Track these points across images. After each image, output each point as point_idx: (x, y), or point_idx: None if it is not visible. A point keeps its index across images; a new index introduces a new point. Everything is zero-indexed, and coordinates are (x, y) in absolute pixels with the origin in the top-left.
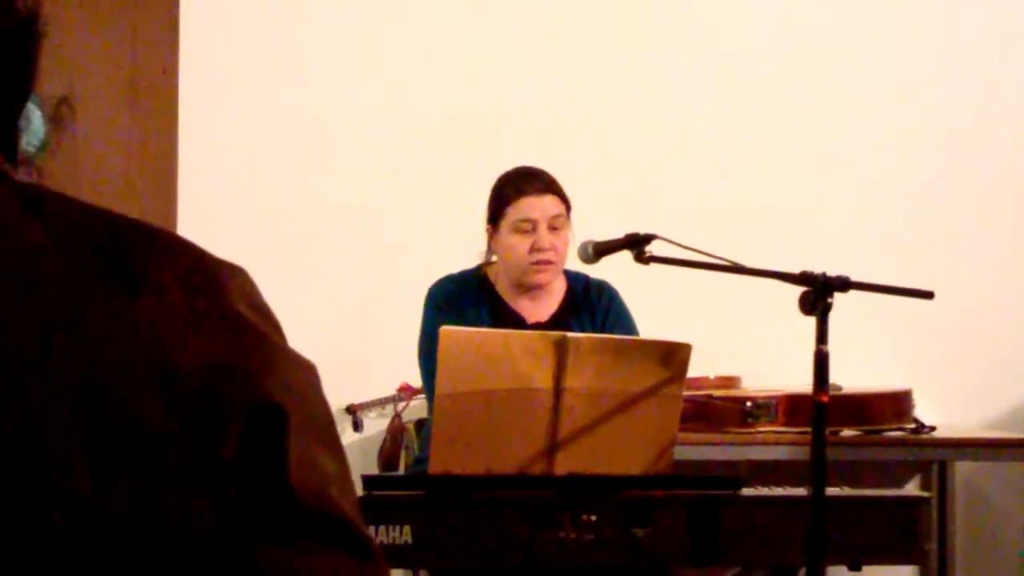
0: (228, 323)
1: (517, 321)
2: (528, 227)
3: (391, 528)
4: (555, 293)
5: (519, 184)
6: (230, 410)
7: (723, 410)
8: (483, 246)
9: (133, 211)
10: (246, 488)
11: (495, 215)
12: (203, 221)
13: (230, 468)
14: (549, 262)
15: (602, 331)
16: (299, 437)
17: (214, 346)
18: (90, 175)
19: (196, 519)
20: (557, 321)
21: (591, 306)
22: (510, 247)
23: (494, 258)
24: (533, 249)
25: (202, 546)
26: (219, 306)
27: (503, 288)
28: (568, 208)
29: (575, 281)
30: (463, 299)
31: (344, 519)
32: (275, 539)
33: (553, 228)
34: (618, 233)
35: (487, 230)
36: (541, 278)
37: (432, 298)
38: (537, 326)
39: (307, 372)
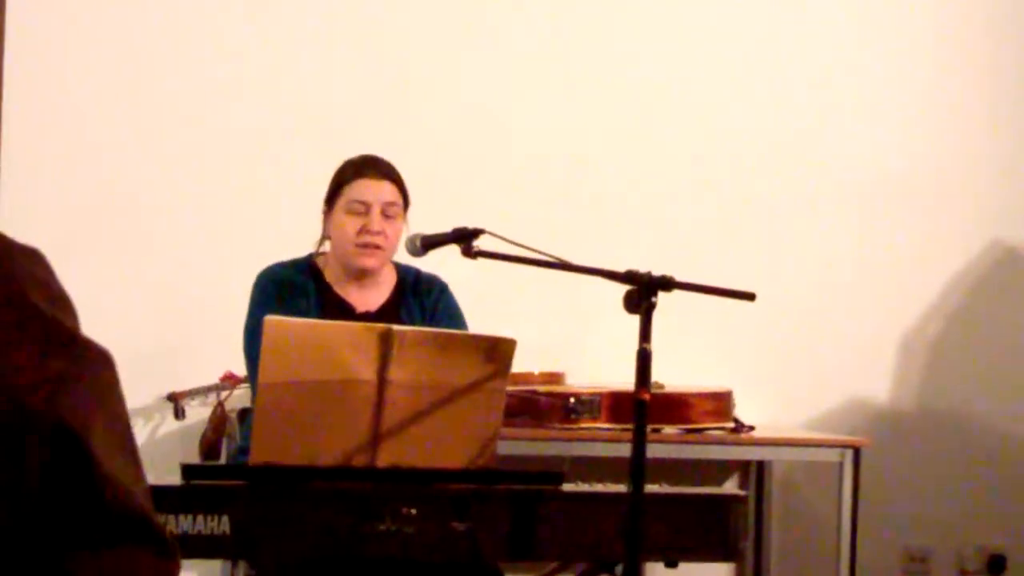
0: (17, 313)
1: (346, 309)
2: (361, 209)
3: (210, 518)
4: (385, 283)
5: (359, 167)
6: (27, 429)
7: (547, 406)
8: (313, 237)
9: None
10: (51, 495)
11: (331, 196)
12: (24, 206)
13: (31, 479)
14: (377, 247)
15: (431, 324)
16: (101, 446)
17: (5, 341)
18: None
19: None
20: (386, 311)
21: (421, 298)
22: (340, 227)
23: (325, 247)
24: (362, 231)
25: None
26: (7, 292)
27: (333, 276)
28: (406, 201)
29: (406, 273)
30: (292, 287)
31: (145, 518)
32: (81, 541)
33: (386, 216)
34: (447, 227)
35: (323, 211)
36: (367, 262)
37: (260, 285)
38: (367, 315)
39: (105, 367)
